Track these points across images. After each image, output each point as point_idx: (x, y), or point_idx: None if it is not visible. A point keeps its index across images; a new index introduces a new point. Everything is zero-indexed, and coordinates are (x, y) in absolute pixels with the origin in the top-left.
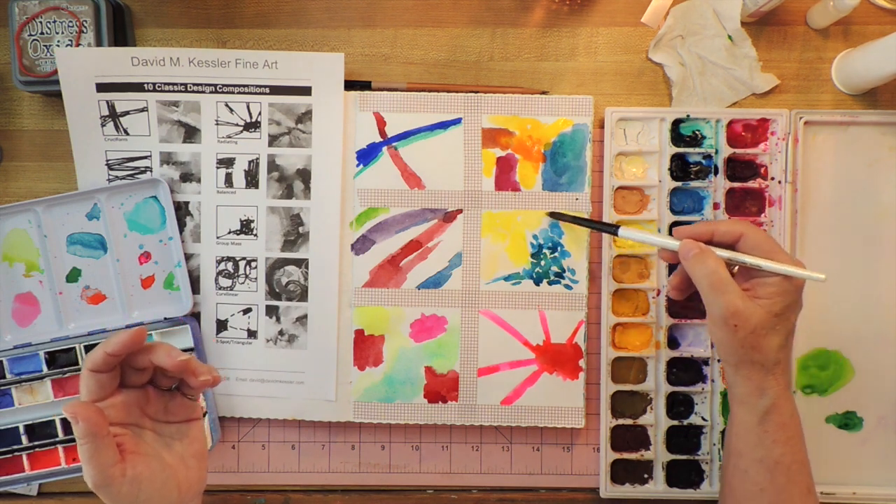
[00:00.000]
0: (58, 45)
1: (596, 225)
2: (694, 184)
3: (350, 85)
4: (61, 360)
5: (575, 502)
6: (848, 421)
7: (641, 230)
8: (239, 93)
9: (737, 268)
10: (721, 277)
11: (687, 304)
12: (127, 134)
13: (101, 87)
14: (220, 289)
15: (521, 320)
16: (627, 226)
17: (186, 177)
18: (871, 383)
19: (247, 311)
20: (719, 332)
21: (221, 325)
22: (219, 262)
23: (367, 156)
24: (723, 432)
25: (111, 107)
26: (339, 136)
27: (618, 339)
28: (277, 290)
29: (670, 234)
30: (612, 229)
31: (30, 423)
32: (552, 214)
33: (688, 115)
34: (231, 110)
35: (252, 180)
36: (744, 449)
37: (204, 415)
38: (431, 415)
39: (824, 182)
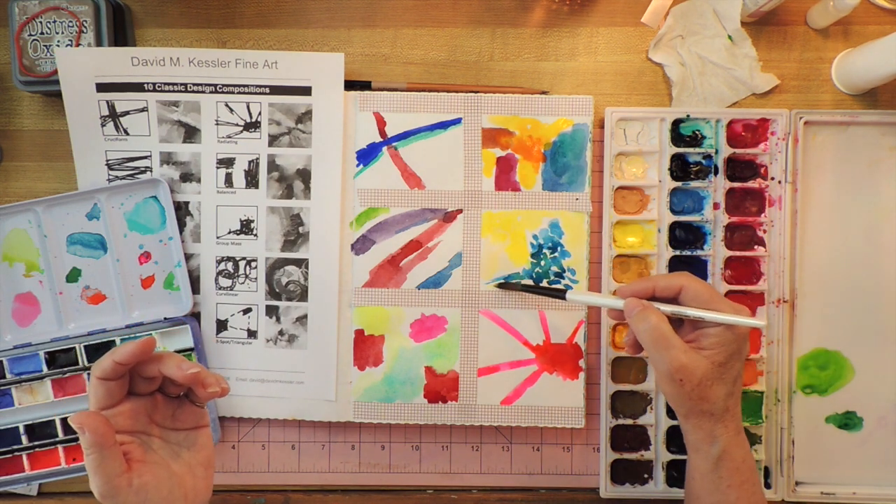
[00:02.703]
0: (58, 45)
1: (544, 291)
2: (694, 184)
3: (350, 85)
4: (61, 360)
5: (575, 502)
6: (848, 421)
7: (587, 293)
8: (239, 93)
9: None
10: (663, 333)
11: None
12: (127, 134)
13: (101, 87)
14: (220, 289)
15: (521, 320)
16: (572, 291)
17: (186, 177)
18: (871, 383)
19: (247, 311)
20: (666, 386)
21: (221, 325)
22: (219, 262)
23: (367, 156)
24: None
25: (111, 107)
26: (339, 136)
27: (618, 339)
28: (277, 290)
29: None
30: (560, 294)
31: (30, 423)
32: (501, 285)
33: (688, 115)
34: (231, 110)
35: (252, 180)
36: (700, 493)
37: None
38: (431, 415)
39: (824, 182)
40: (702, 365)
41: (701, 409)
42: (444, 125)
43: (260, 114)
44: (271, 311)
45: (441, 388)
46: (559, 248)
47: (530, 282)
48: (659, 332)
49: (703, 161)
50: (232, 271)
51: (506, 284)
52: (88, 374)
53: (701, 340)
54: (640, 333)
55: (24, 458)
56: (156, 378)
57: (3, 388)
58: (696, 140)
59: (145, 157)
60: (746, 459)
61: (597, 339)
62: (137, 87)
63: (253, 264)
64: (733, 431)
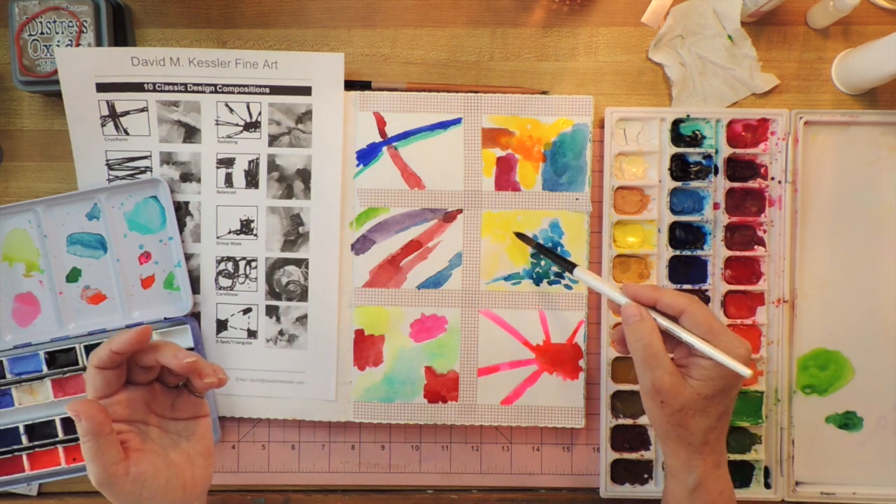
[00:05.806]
0: (58, 45)
1: (555, 257)
2: (694, 184)
3: (350, 85)
4: (61, 360)
5: (575, 502)
6: (848, 421)
7: (593, 276)
8: (239, 93)
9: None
10: (654, 351)
11: None
12: (127, 134)
13: (101, 87)
14: (220, 289)
15: (521, 320)
16: (581, 268)
17: (186, 177)
18: (871, 383)
19: (247, 311)
20: (647, 403)
21: (221, 325)
22: (219, 262)
23: (367, 156)
24: None
25: (111, 107)
26: (339, 136)
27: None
28: (277, 290)
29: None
30: (570, 267)
31: (30, 423)
32: (519, 235)
33: (688, 115)
34: (231, 110)
35: (252, 180)
36: None
37: None
38: (431, 415)
39: (824, 182)
40: (685, 393)
41: (679, 436)
42: (444, 125)
43: (260, 114)
44: (271, 311)
45: (441, 388)
46: (559, 248)
47: (549, 248)
48: (650, 349)
49: (703, 161)
50: (232, 271)
51: (523, 237)
52: None
53: (691, 368)
54: (631, 344)
55: (24, 458)
56: (153, 367)
57: (3, 388)
58: (696, 140)
59: (145, 157)
60: (724, 492)
61: (597, 339)
62: (137, 87)
63: (253, 264)
64: (711, 465)
